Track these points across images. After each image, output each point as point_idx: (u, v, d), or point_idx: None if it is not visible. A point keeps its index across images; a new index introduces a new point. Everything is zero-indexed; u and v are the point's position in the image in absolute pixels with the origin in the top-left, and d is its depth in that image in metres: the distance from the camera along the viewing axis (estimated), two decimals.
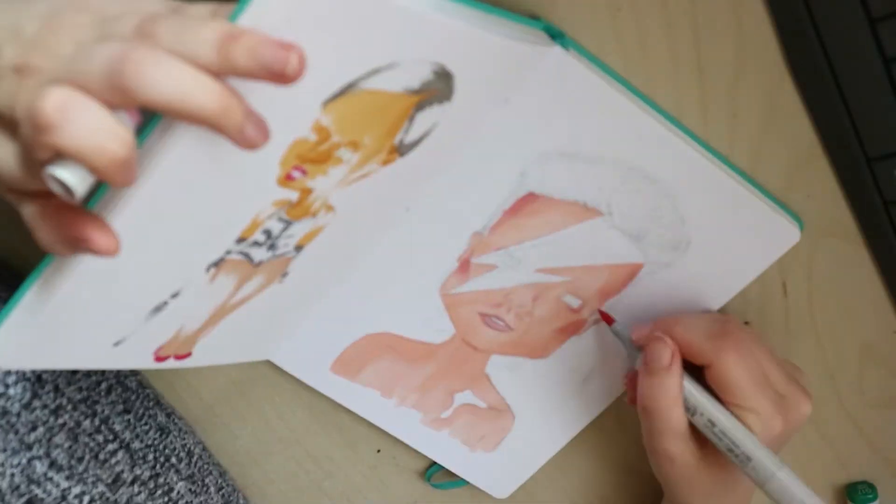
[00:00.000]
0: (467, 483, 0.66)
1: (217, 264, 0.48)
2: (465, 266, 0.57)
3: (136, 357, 0.50)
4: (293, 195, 0.46)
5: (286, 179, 0.45)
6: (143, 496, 0.53)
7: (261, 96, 0.37)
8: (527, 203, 0.55)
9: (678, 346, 0.53)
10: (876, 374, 0.62)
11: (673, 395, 0.52)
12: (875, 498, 0.65)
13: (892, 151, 0.53)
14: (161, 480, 0.55)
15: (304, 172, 0.45)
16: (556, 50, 0.49)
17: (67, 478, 0.50)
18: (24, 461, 0.49)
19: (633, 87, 0.52)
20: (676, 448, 0.53)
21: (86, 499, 0.50)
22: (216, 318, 0.52)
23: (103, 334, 0.47)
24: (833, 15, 0.49)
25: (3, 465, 0.47)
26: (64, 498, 0.49)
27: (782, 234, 0.55)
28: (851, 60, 0.50)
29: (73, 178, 0.35)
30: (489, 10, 0.47)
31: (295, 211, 0.47)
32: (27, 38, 0.36)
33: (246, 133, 0.35)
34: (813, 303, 0.60)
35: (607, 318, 0.57)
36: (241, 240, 0.47)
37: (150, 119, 0.37)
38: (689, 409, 0.53)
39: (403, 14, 0.41)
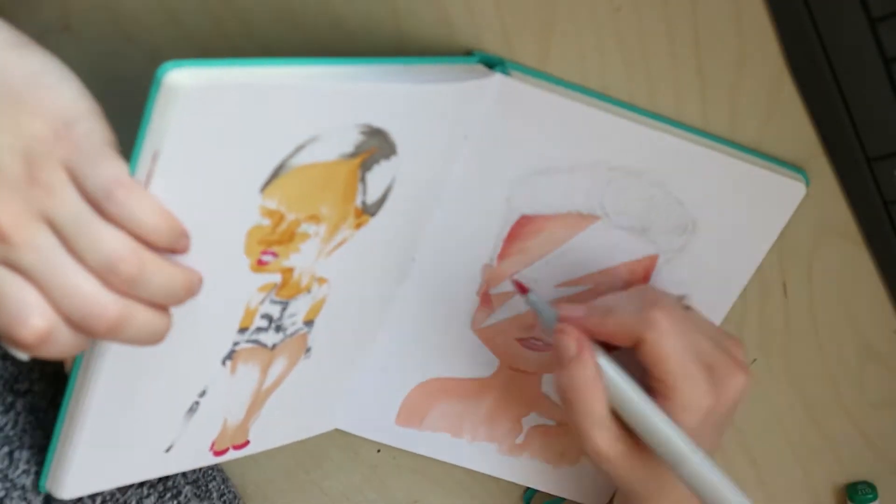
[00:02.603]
0: (564, 500, 0.65)
1: (230, 356, 0.49)
2: (486, 299, 0.57)
3: (193, 457, 0.53)
4: (275, 278, 0.47)
5: (259, 265, 0.46)
6: (152, 498, 0.53)
7: (198, 198, 0.40)
8: (523, 226, 0.55)
9: (609, 329, 0.50)
10: (876, 374, 0.62)
11: (587, 383, 0.49)
12: (875, 498, 0.65)
13: (892, 151, 0.53)
14: (170, 483, 0.55)
15: (275, 255, 0.46)
16: (497, 77, 0.49)
17: None
18: None
19: (587, 89, 0.52)
20: (603, 441, 0.50)
21: (98, 499, 0.50)
22: (257, 405, 0.53)
23: (150, 444, 0.49)
24: (833, 15, 0.49)
25: (28, 462, 0.48)
26: (79, 498, 0.49)
27: (786, 192, 0.54)
28: (851, 60, 0.51)
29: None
30: (421, 61, 0.48)
31: (284, 291, 0.49)
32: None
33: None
34: (813, 303, 0.60)
35: (522, 288, 0.53)
36: (242, 329, 0.48)
37: None
38: (612, 399, 0.50)
39: (296, 93, 0.41)
